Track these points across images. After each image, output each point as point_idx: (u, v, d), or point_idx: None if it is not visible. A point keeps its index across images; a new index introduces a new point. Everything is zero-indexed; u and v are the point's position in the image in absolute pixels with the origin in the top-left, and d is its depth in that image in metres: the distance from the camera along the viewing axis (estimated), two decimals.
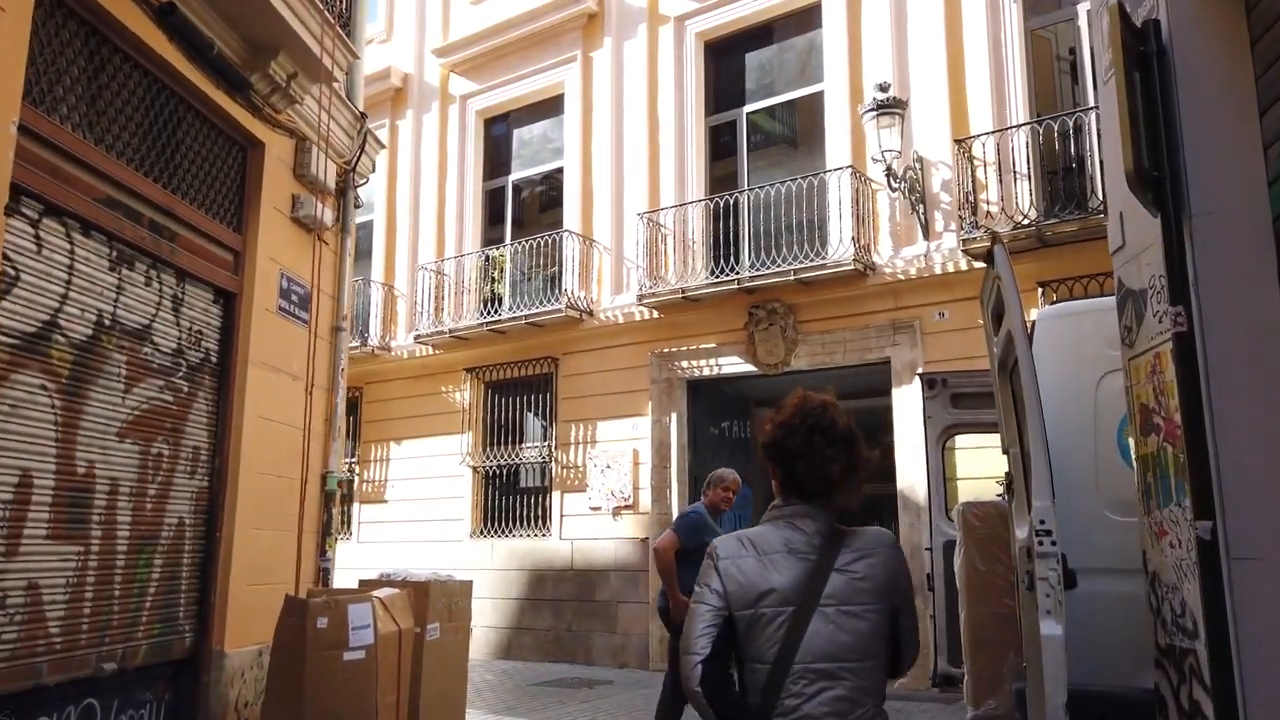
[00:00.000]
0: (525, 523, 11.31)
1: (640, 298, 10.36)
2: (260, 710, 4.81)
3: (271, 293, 5.72)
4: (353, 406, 12.34)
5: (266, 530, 5.53)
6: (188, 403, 5.08)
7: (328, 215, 6.30)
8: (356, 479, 12.60)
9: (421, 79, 13.27)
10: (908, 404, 8.66)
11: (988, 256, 4.05)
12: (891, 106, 8.88)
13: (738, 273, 9.72)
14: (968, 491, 7.48)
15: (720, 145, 10.95)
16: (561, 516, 10.93)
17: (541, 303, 11.13)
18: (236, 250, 5.51)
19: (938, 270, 8.90)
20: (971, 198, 8.61)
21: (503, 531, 11.44)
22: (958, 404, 6.17)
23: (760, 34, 10.80)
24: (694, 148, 10.74)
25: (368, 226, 12.93)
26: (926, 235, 9.04)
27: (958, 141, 8.79)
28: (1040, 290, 8.15)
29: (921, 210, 9.04)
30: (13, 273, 3.86)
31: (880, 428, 9.20)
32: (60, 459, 4.13)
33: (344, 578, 6.88)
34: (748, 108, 10.79)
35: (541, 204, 12.80)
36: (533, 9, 12.03)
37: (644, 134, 11.04)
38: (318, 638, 4.34)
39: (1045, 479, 3.34)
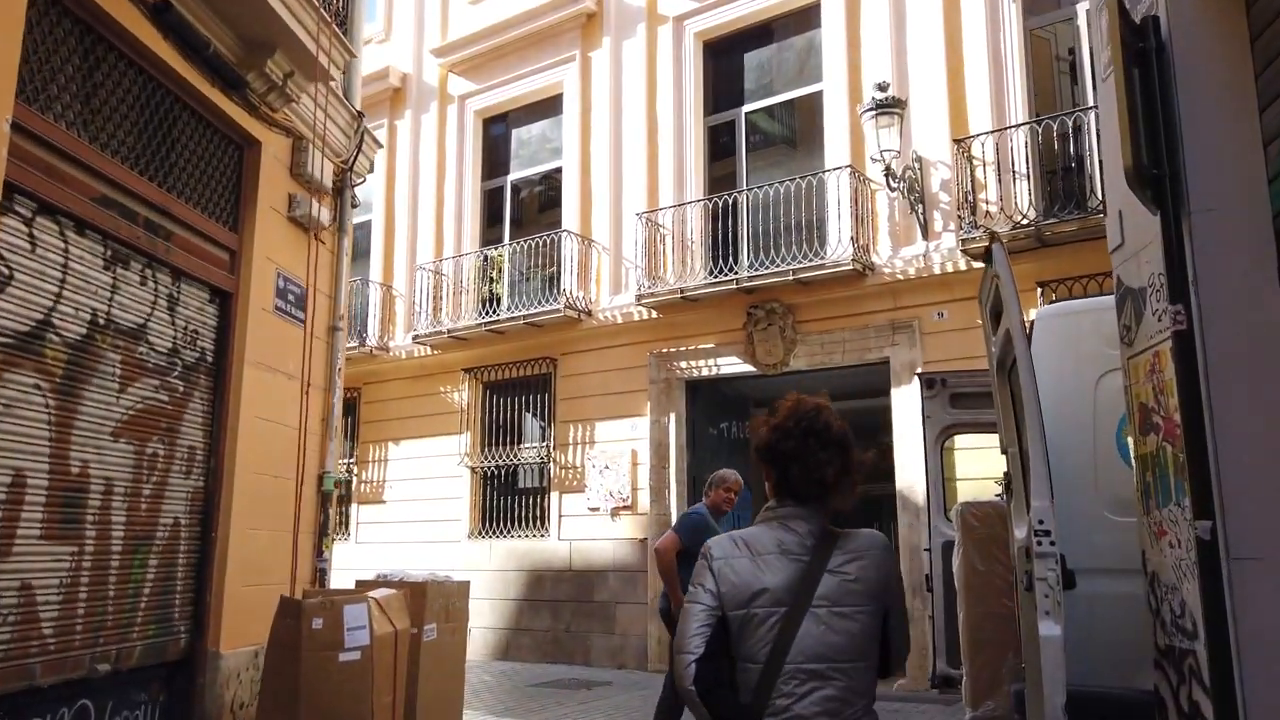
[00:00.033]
0: (523, 523, 11.29)
1: (639, 298, 10.34)
2: (255, 712, 4.79)
3: (268, 292, 5.70)
4: (351, 407, 12.33)
5: (262, 531, 5.51)
6: (183, 402, 5.06)
7: (324, 215, 6.28)
8: (355, 479, 12.58)
9: (420, 79, 13.26)
10: (906, 404, 8.64)
11: (986, 255, 4.03)
12: (890, 106, 8.87)
13: (736, 273, 9.70)
14: (966, 491, 7.45)
15: (719, 145, 10.94)
16: (560, 517, 10.91)
17: (540, 303, 11.11)
18: (232, 249, 5.50)
19: (937, 270, 8.89)
20: (970, 197, 8.59)
21: (501, 532, 11.42)
22: (956, 404, 6.15)
23: (759, 34, 10.79)
24: (693, 148, 10.73)
25: (366, 226, 12.91)
26: (925, 235, 9.03)
27: (957, 141, 8.77)
28: (1039, 290, 8.13)
29: (920, 210, 9.03)
30: (6, 271, 3.85)
31: (879, 428, 9.19)
32: (54, 459, 4.11)
33: (342, 578, 6.86)
34: (746, 107, 10.77)
35: (540, 204, 12.79)
36: (531, 9, 12.02)
37: (643, 134, 11.03)
38: (313, 638, 4.32)
39: (1044, 479, 3.33)
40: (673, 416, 10.36)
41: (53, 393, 4.10)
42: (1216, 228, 2.76)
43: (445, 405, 12.02)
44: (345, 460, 12.38)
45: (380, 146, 7.42)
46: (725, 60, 11.11)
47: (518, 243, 11.84)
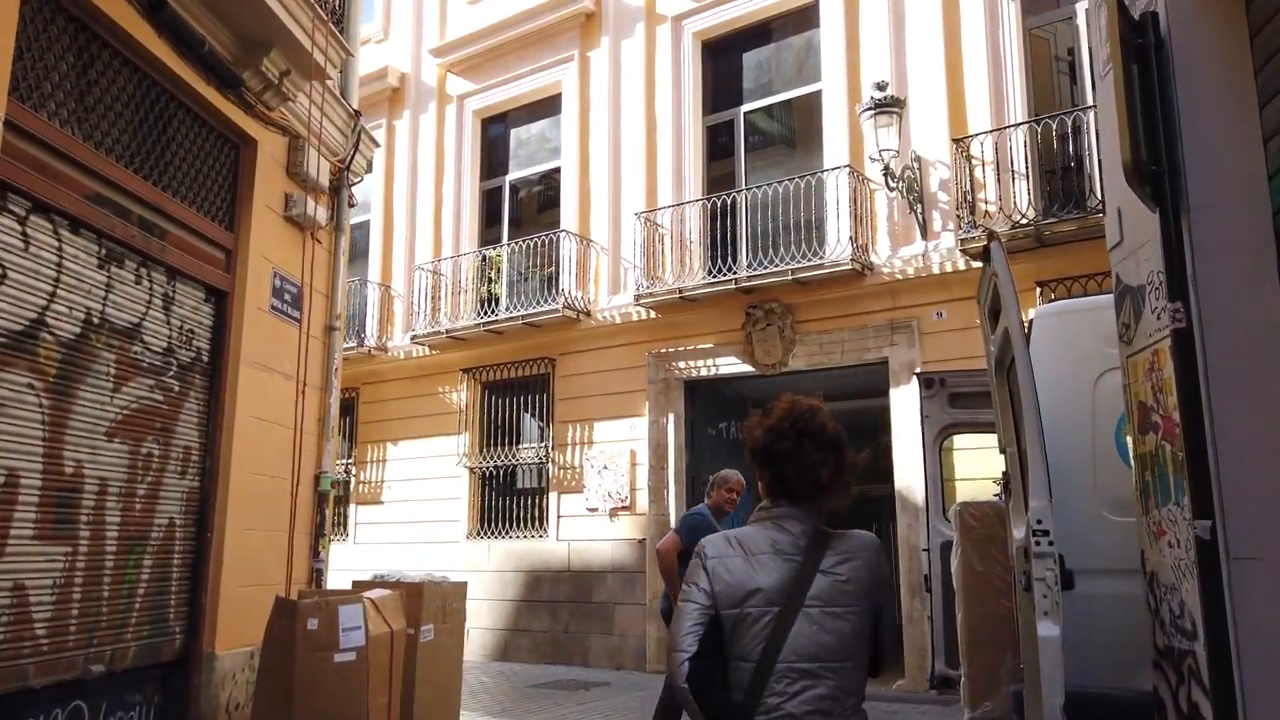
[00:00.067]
0: (522, 524, 11.27)
1: (638, 298, 10.33)
2: (250, 712, 4.76)
3: (264, 291, 5.68)
4: (349, 407, 12.30)
5: (258, 531, 5.48)
6: (178, 402, 5.04)
7: (321, 214, 6.26)
8: (353, 480, 12.56)
9: (418, 79, 13.24)
10: (905, 404, 8.61)
11: (984, 255, 4.02)
12: (889, 106, 8.85)
13: (735, 273, 9.69)
14: (965, 491, 7.44)
15: (718, 145, 10.93)
16: (558, 517, 10.89)
17: (538, 303, 11.09)
18: (228, 248, 5.47)
19: (935, 270, 8.87)
20: (969, 197, 8.58)
21: (499, 533, 11.40)
22: (955, 404, 6.13)
23: (758, 33, 10.78)
24: (691, 147, 10.71)
25: (364, 226, 12.90)
26: (924, 235, 9.01)
27: (956, 141, 8.76)
28: (1039, 290, 8.12)
29: (919, 210, 9.01)
30: (0, 270, 3.83)
31: (878, 428, 9.16)
32: (48, 458, 4.09)
33: (340, 579, 6.84)
34: (745, 107, 10.76)
35: (538, 204, 12.77)
36: (530, 8, 12.01)
37: (641, 134, 11.01)
38: (308, 639, 4.31)
39: (1042, 479, 3.31)
40: (671, 417, 10.34)
41: (46, 392, 4.08)
42: (1216, 225, 2.74)
43: (443, 405, 12.00)
44: (343, 461, 12.37)
45: (378, 146, 7.40)
46: (724, 60, 11.09)
47: (516, 243, 11.82)
